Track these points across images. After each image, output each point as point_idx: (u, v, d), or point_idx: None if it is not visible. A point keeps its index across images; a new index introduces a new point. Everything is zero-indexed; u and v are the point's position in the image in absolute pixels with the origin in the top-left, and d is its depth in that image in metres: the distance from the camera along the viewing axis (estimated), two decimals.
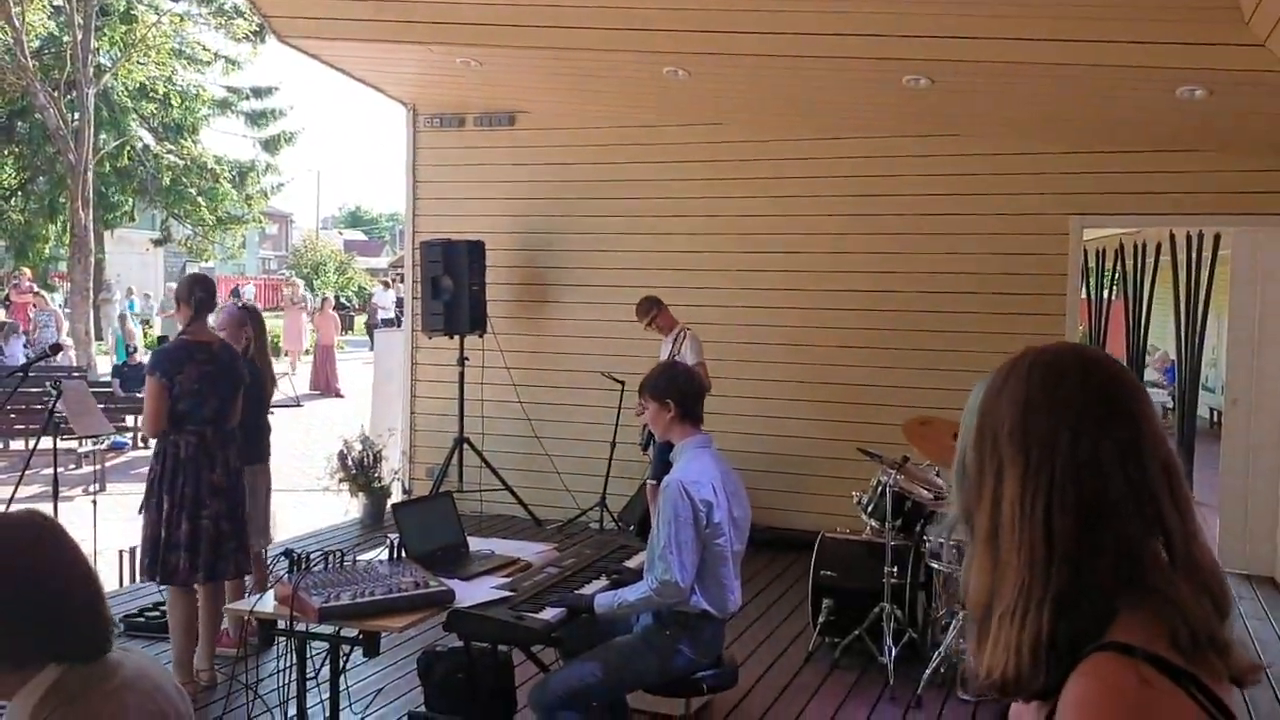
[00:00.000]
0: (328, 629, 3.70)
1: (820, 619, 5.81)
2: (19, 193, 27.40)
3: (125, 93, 24.61)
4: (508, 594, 3.90)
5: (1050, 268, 7.75)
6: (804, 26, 5.99)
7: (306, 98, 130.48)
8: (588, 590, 3.98)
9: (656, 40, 6.58)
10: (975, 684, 1.29)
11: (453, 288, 8.27)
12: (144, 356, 17.98)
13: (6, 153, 26.81)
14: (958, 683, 5.29)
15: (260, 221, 31.96)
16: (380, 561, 3.96)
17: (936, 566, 5.61)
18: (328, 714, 3.84)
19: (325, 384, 19.56)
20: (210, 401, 4.89)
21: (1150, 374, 17.17)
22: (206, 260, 34.39)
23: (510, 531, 8.36)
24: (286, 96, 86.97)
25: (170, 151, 25.00)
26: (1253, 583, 7.51)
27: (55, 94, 19.47)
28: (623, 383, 8.11)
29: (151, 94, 24.45)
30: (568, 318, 8.80)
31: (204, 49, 25.71)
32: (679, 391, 3.90)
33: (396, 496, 8.72)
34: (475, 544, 4.55)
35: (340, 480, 8.63)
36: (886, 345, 8.05)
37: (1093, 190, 7.69)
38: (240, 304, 5.66)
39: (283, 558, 3.74)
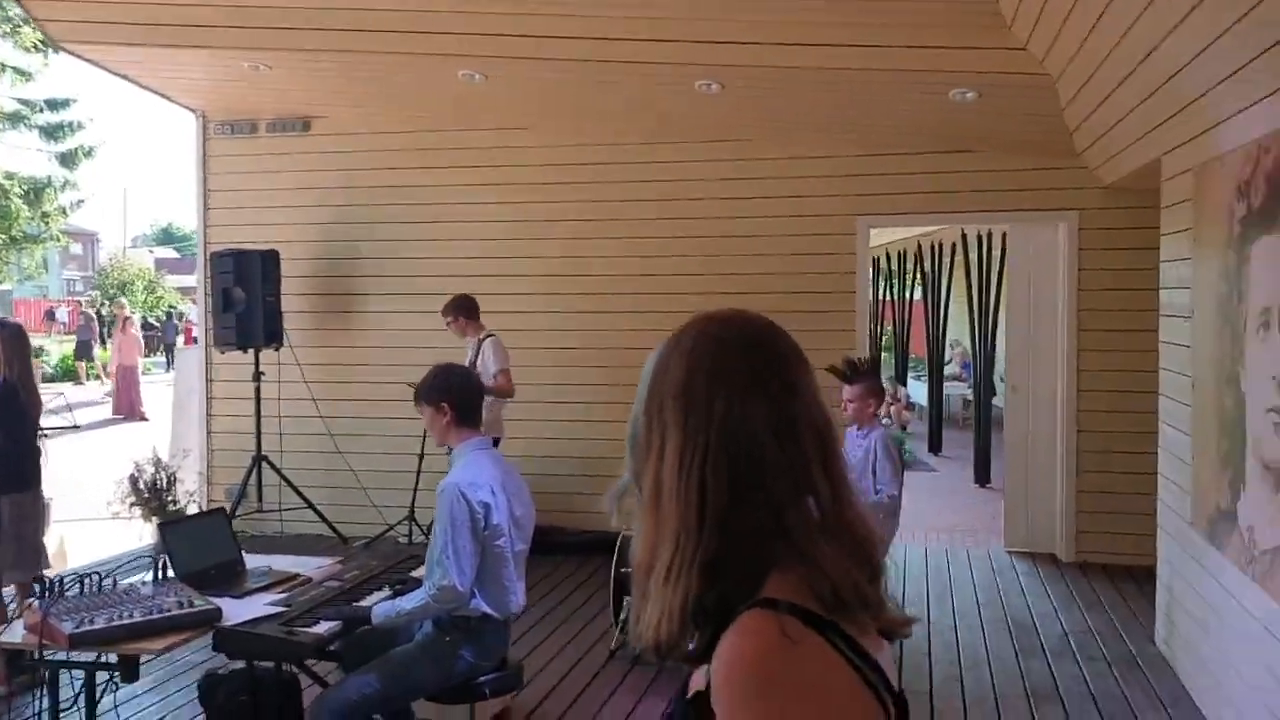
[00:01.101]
0: (86, 656, 3.51)
1: (622, 616, 5.85)
2: None
3: None
4: (281, 609, 3.77)
5: (839, 268, 8.02)
6: (602, 31, 6.04)
7: (112, 111, 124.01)
8: (368, 601, 3.89)
9: (450, 43, 6.53)
10: (639, 648, 1.30)
11: (245, 299, 7.99)
12: None
13: None
14: None
15: (60, 240, 30.26)
16: (144, 583, 3.78)
17: None
18: None
19: (129, 408, 18.66)
20: None
21: (951, 368, 17.99)
22: (1, 282, 32.43)
23: (314, 551, 8.11)
24: (85, 109, 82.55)
25: None
26: (1035, 560, 7.93)
27: None
28: None
29: None
30: (368, 328, 8.63)
31: None
32: (453, 394, 3.85)
33: None
34: (253, 561, 4.40)
35: (131, 505, 8.22)
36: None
37: (878, 192, 8.00)
38: (4, 323, 5.30)
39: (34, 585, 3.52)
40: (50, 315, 38.10)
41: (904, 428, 16.94)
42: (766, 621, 1.18)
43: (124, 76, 8.04)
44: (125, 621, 3.39)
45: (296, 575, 4.26)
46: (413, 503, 8.21)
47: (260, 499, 8.19)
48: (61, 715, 3.66)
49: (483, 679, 3.83)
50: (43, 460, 5.41)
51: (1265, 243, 4.19)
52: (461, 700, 3.90)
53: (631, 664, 5.70)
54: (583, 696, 5.30)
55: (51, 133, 27.65)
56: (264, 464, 8.19)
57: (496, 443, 7.13)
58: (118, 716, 4.66)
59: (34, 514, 5.17)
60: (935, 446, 14.42)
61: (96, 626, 3.34)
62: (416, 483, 8.17)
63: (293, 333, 8.41)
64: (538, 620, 6.54)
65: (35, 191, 26.60)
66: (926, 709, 5.15)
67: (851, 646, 1.21)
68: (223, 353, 8.34)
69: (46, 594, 3.49)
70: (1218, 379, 4.84)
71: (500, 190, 8.43)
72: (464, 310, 7.27)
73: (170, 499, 8.34)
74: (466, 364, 7.12)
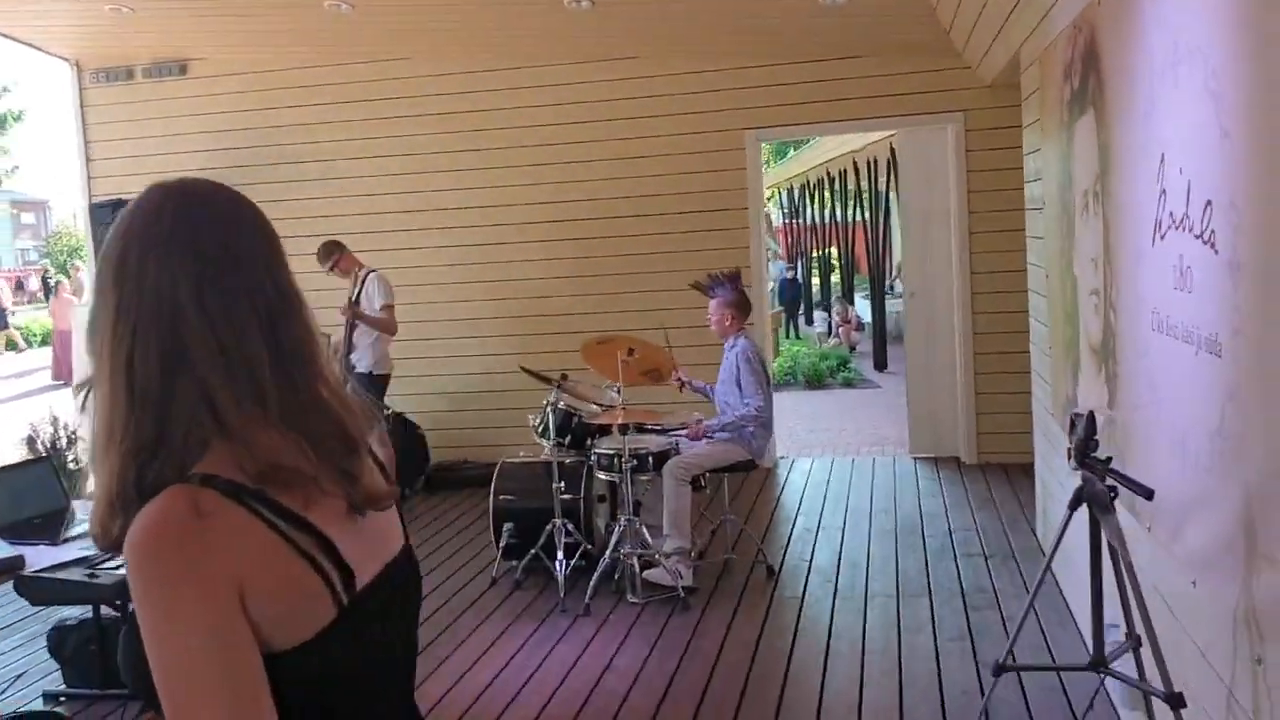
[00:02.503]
0: None
1: (502, 543, 5.84)
2: None
3: None
4: (86, 554, 3.72)
5: (730, 183, 7.94)
6: None
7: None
8: None
9: None
10: (94, 540, 1.24)
11: None
12: None
13: None
14: (627, 587, 5.40)
15: None
16: None
17: (603, 477, 5.70)
18: None
19: (67, 373, 18.45)
20: None
21: (899, 285, 18.00)
22: None
23: None
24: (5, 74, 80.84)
25: None
26: (939, 465, 7.97)
27: None
28: (328, 335, 7.89)
29: None
30: None
31: None
32: None
33: None
34: (86, 508, 4.34)
35: None
36: (578, 274, 8.12)
37: (766, 104, 7.89)
38: None
39: None
40: (20, 285, 37.55)
41: (852, 348, 16.96)
42: (175, 495, 1.12)
43: None
44: None
45: None
46: None
47: None
48: None
49: None
50: None
51: (1083, 123, 4.14)
52: None
53: (512, 589, 5.70)
54: (456, 623, 5.30)
55: None
56: None
57: (387, 379, 7.12)
58: None
59: None
60: (881, 364, 14.43)
61: None
62: None
63: None
64: (433, 551, 6.53)
65: None
66: (795, 613, 5.17)
67: (287, 516, 1.16)
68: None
69: None
70: (1061, 268, 4.81)
71: (383, 125, 8.28)
72: (338, 248, 7.15)
73: (72, 457, 8.27)
74: (351, 298, 7.02)
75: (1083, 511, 2.92)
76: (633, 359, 5.99)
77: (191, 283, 1.19)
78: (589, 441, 5.84)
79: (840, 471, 8.07)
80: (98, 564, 3.63)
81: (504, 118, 8.12)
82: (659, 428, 6.00)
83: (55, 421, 8.31)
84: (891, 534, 6.37)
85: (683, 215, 7.94)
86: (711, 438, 5.66)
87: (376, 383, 7.06)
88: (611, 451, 5.49)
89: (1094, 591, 2.89)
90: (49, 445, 8.15)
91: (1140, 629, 2.72)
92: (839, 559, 5.97)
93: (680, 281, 6.70)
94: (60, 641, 4.51)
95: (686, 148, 7.94)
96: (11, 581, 3.54)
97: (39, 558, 3.71)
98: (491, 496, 5.94)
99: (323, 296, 7.64)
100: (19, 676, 4.77)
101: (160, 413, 1.17)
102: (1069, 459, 2.92)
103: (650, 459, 5.54)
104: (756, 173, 8.10)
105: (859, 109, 7.85)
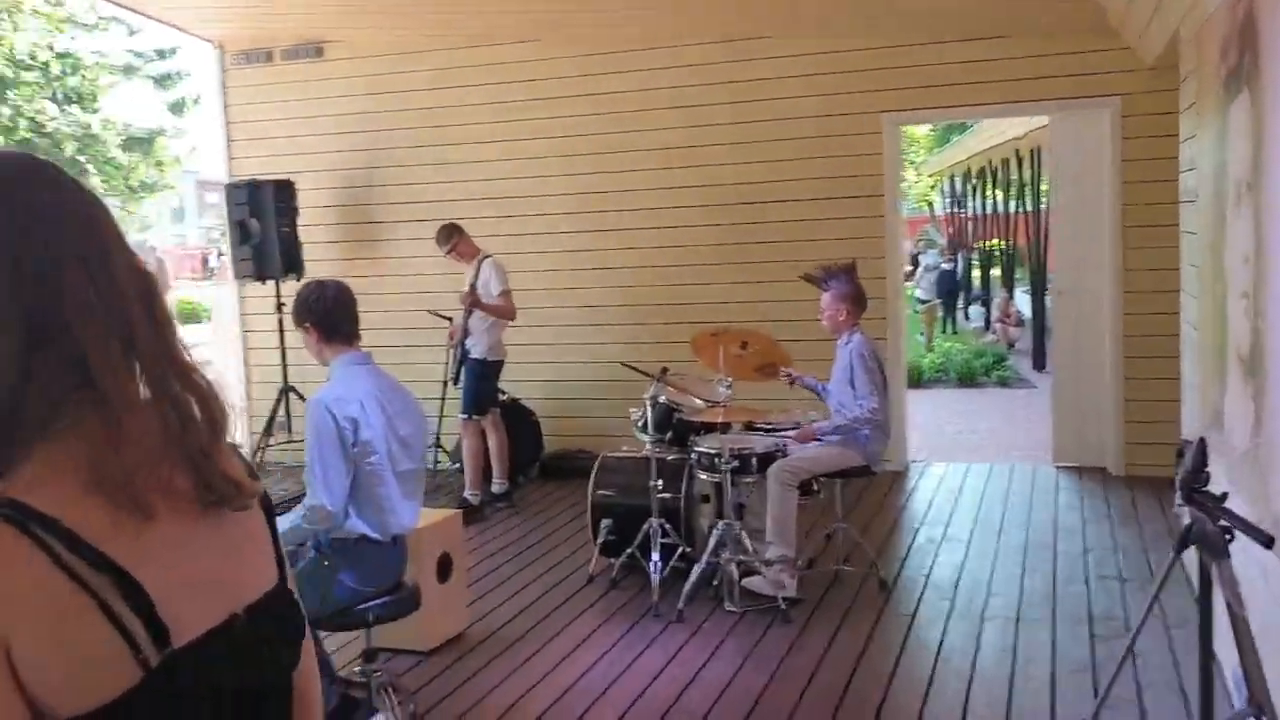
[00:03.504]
0: None
1: (600, 539, 5.66)
2: None
3: (6, 62, 23.85)
4: None
5: (864, 170, 7.54)
6: None
7: None
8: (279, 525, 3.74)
9: None
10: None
11: (260, 231, 7.96)
12: None
13: None
14: (724, 594, 5.14)
15: (174, 188, 31.27)
16: None
17: (704, 478, 5.45)
18: None
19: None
20: None
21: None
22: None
23: None
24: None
25: (53, 119, 24.29)
26: (1083, 475, 7.42)
27: None
28: (450, 319, 7.86)
29: (33, 63, 23.70)
30: (391, 255, 8.51)
31: (95, 13, 25.00)
32: (313, 313, 3.67)
33: None
34: None
35: None
36: (696, 262, 7.87)
37: (906, 86, 7.46)
38: None
39: None
40: (204, 262, 39.51)
41: (1011, 345, 16.21)
42: None
43: (140, 12, 8.02)
44: None
45: None
46: (438, 429, 8.13)
47: (290, 429, 8.21)
48: None
49: (369, 604, 3.67)
50: None
51: (1238, 104, 3.66)
52: (347, 627, 3.77)
53: (608, 588, 5.51)
54: (548, 619, 5.14)
55: (161, 82, 28.47)
56: (291, 394, 8.20)
57: (500, 365, 7.02)
58: None
59: None
60: (1039, 363, 13.64)
61: None
62: (441, 410, 8.08)
63: (313, 263, 8.36)
64: (535, 542, 6.40)
65: (142, 141, 27.35)
66: (903, 632, 4.82)
67: (86, 552, 0.97)
68: (242, 285, 8.36)
69: None
70: (1212, 267, 4.31)
71: (510, 108, 8.17)
72: (458, 232, 7.06)
73: None
74: (470, 285, 6.94)
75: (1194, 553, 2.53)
76: (746, 353, 5.72)
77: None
78: (691, 439, 5.59)
79: (975, 479, 7.60)
80: None
81: (628, 101, 7.91)
82: (769, 427, 5.70)
83: None
84: (1021, 549, 5.92)
85: (812, 203, 7.60)
86: (821, 440, 5.34)
87: (490, 369, 6.97)
88: (712, 451, 5.23)
89: (1202, 650, 2.50)
90: None
91: (1263, 697, 2.32)
92: (959, 575, 5.57)
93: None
94: None
95: (818, 131, 7.58)
96: None
97: None
98: (590, 491, 5.75)
99: (437, 281, 7.62)
100: None
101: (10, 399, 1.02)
102: (1176, 493, 2.54)
103: (754, 460, 5.26)
104: (894, 159, 7.67)
105: (1006, 92, 7.35)
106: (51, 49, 24.49)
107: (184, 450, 1.07)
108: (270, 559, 1.18)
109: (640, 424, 5.63)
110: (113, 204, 29.39)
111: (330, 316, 3.66)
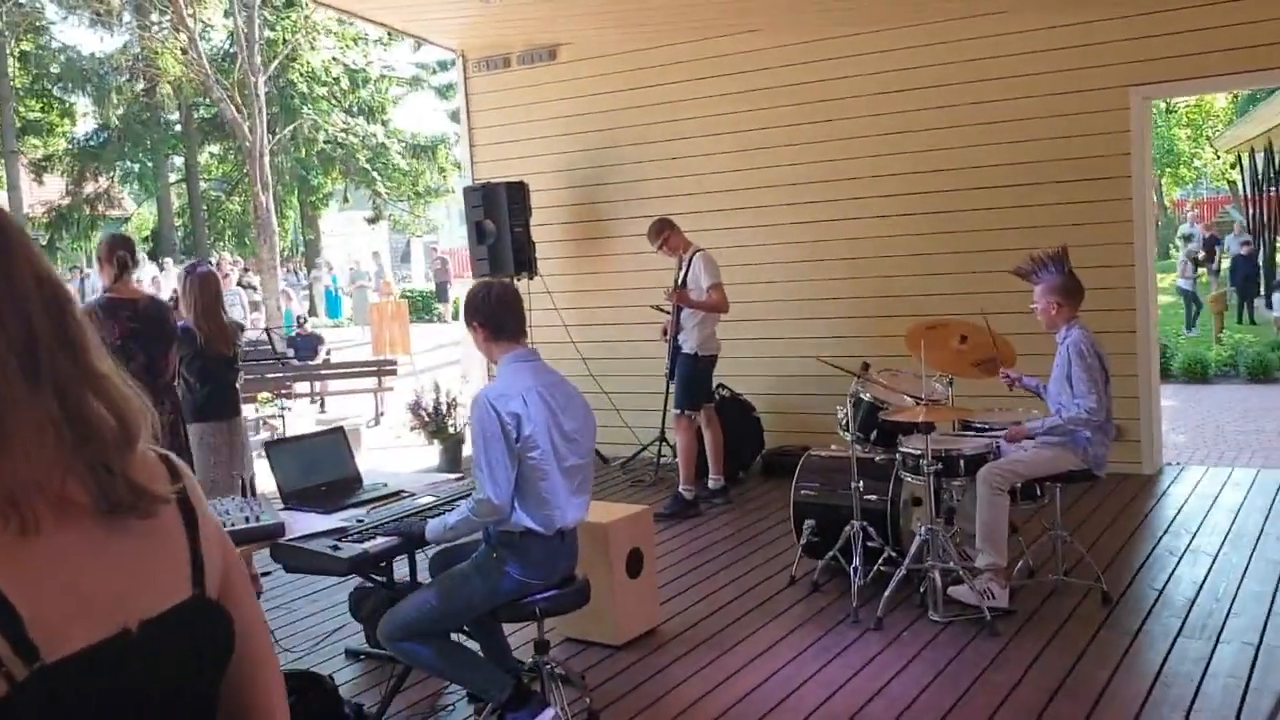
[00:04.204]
0: None
1: (802, 540, 5.52)
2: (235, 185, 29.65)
3: (301, 78, 25.97)
4: (349, 525, 3.88)
5: (1108, 149, 6.98)
6: None
7: None
8: (452, 518, 3.87)
9: None
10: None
11: (495, 231, 8.27)
12: (314, 328, 19.10)
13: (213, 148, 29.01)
14: (929, 603, 4.90)
15: (453, 193, 33.14)
16: (231, 500, 4.01)
17: (909, 480, 5.20)
18: None
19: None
20: (138, 357, 5.03)
21: None
22: (417, 234, 36.03)
23: None
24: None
25: (343, 131, 26.23)
26: None
27: (230, 85, 20.72)
28: (669, 312, 7.91)
29: (325, 79, 25.69)
30: (617, 252, 8.62)
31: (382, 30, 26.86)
32: (480, 312, 3.75)
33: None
34: (374, 478, 4.56)
35: (412, 429, 8.89)
36: (921, 251, 7.54)
37: (1155, 56, 6.85)
38: (194, 266, 5.77)
39: None
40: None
41: None
42: None
43: (381, 24, 8.52)
44: None
45: (400, 491, 4.37)
46: (663, 424, 8.19)
47: None
48: None
49: (536, 597, 3.72)
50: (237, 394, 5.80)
51: None
52: (516, 619, 3.84)
53: (809, 590, 5.37)
54: (742, 620, 5.07)
55: (443, 92, 30.24)
56: None
57: (714, 360, 6.99)
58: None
59: (221, 445, 5.56)
60: None
61: None
62: (665, 405, 8.14)
63: (546, 262, 8.61)
64: (745, 540, 6.33)
65: (425, 149, 29.08)
66: (1120, 652, 4.43)
67: None
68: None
69: None
70: None
71: (733, 100, 8.09)
72: (669, 227, 7.06)
73: (450, 422, 8.92)
74: (677, 282, 6.95)
75: None
76: (965, 347, 5.43)
77: None
78: (900, 438, 5.34)
79: (1237, 484, 6.90)
80: (349, 536, 3.76)
81: (850, 87, 7.66)
82: (984, 427, 5.37)
83: (437, 389, 9.00)
84: (1275, 566, 5.32)
85: (1048, 186, 7.11)
86: (1035, 441, 4.98)
87: (701, 364, 6.94)
88: (916, 451, 4.98)
89: None
90: (431, 411, 8.85)
91: None
92: (1197, 591, 5.06)
93: None
94: (359, 602, 4.79)
95: (1054, 110, 7.08)
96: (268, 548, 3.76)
97: (308, 524, 3.92)
98: (793, 490, 5.62)
99: (665, 276, 7.61)
100: (333, 633, 5.14)
101: None
102: None
103: (961, 462, 4.97)
104: (1143, 137, 7.06)
105: (1275, 57, 6.60)
106: (344, 65, 26.45)
107: (86, 460, 1.08)
108: (182, 571, 1.16)
109: (843, 423, 5.45)
110: (401, 209, 31.69)
111: (496, 316, 3.74)
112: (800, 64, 7.81)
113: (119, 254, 5.08)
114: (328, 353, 17.73)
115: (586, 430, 3.83)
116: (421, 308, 27.41)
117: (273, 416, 14.75)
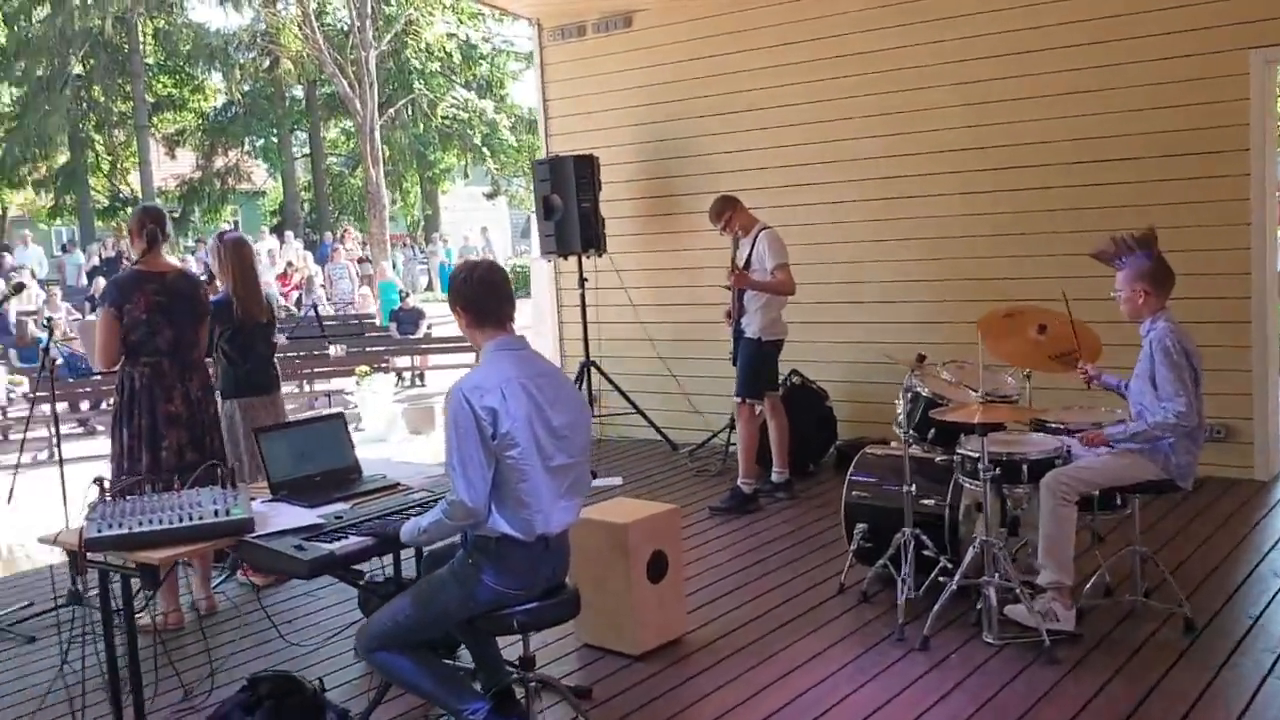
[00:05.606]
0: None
1: (853, 545, 5.07)
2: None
3: (416, 54, 26.11)
4: (322, 522, 3.61)
5: (1223, 119, 6.28)
6: None
7: None
8: (425, 520, 3.56)
9: None
10: None
11: (562, 206, 7.95)
12: (416, 302, 19.15)
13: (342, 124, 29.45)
14: (984, 622, 4.41)
15: None
16: (209, 490, 3.77)
17: (967, 484, 4.70)
18: (127, 654, 3.67)
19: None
20: (164, 332, 4.86)
21: None
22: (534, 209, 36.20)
23: (640, 456, 8.03)
24: None
25: (456, 107, 26.31)
26: None
27: (344, 61, 20.90)
28: None
29: (439, 54, 25.77)
30: (689, 229, 8.17)
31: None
32: (461, 295, 3.42)
33: None
34: (373, 468, 4.30)
35: None
36: (1005, 231, 6.95)
37: (1278, 14, 6.12)
38: (223, 235, 5.61)
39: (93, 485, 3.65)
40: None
41: None
42: None
43: None
44: (142, 529, 3.38)
45: (396, 484, 4.10)
46: (733, 412, 7.78)
47: (591, 404, 8.18)
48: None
49: (515, 609, 3.39)
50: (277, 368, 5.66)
51: None
52: (496, 632, 3.52)
53: (857, 600, 4.93)
54: (783, 629, 4.67)
55: None
56: (591, 369, 8.16)
57: (779, 345, 6.55)
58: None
59: (264, 420, 5.40)
60: None
61: (112, 532, 3.37)
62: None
63: (615, 238, 8.25)
64: (801, 540, 5.91)
65: (532, 123, 29.19)
66: (1200, 686, 3.88)
67: None
68: (548, 260, 8.43)
69: (101, 496, 3.60)
70: None
71: (817, 68, 7.56)
72: (731, 205, 6.60)
73: None
74: (736, 262, 6.51)
75: None
76: (1044, 338, 4.89)
77: None
78: (961, 438, 4.84)
79: None
80: (318, 536, 3.49)
81: (947, 51, 7.05)
82: (1060, 427, 4.82)
83: None
84: None
85: (1149, 161, 6.45)
86: (1113, 447, 4.42)
87: (765, 349, 6.49)
88: (974, 454, 4.48)
89: None
90: None
91: None
92: None
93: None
94: (366, 600, 4.53)
95: (1164, 76, 6.39)
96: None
97: (287, 518, 3.66)
98: (845, 490, 5.17)
99: (724, 256, 7.15)
100: (348, 628, 4.90)
101: None
102: None
103: (1024, 467, 4.46)
104: (1264, 105, 6.32)
105: None
106: (458, 40, 26.51)
107: None
108: None
109: (899, 418, 4.97)
110: (518, 184, 31.69)
111: (478, 299, 3.40)
112: (882, 29, 7.25)
113: (149, 227, 4.92)
114: (429, 327, 17.80)
115: (579, 426, 3.47)
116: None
117: (338, 392, 14.79)
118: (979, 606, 4.50)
